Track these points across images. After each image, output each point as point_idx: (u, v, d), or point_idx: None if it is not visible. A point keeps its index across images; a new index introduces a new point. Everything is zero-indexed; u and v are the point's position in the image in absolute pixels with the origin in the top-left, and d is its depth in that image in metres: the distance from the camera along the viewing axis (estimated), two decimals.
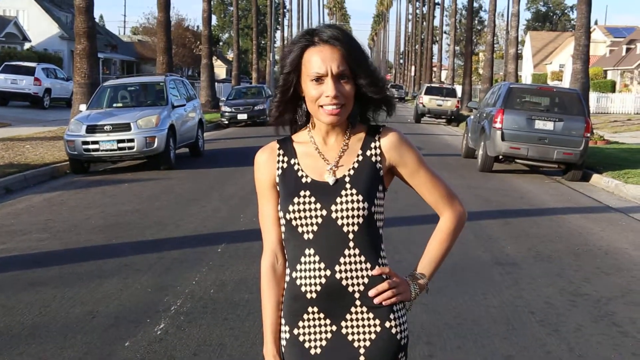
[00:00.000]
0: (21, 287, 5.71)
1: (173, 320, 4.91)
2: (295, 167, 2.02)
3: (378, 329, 1.99)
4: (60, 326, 4.82)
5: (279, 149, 2.07)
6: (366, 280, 1.97)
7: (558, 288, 5.93)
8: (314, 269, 1.97)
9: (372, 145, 2.03)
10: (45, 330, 4.75)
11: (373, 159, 2.02)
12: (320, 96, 1.93)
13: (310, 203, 1.97)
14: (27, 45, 42.32)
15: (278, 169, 2.04)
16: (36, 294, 5.52)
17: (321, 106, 1.94)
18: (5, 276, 6.07)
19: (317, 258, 1.97)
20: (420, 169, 2.06)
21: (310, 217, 1.96)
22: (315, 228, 1.97)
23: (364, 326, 1.99)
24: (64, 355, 4.31)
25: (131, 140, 12.50)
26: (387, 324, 2.00)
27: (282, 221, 2.03)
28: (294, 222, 1.98)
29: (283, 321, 2.06)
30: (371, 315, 1.99)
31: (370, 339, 1.99)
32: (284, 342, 2.06)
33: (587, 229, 8.52)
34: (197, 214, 8.73)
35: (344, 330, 1.99)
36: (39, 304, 5.26)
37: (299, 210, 1.97)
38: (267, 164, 2.06)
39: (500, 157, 13.52)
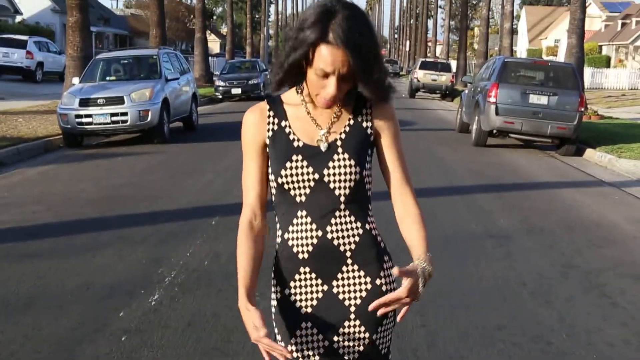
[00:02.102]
0: (16, 259, 5.72)
1: (167, 291, 4.94)
2: (287, 130, 2.01)
3: (369, 286, 2.02)
4: (55, 297, 4.84)
5: (269, 110, 2.05)
6: (357, 239, 2.01)
7: (550, 260, 5.98)
8: (306, 230, 1.99)
9: (364, 111, 2.04)
10: (41, 300, 4.77)
11: (364, 124, 2.03)
12: (320, 87, 1.92)
13: (302, 167, 1.97)
14: (18, 18, 41.87)
15: (268, 130, 2.02)
16: (31, 265, 5.53)
17: (318, 94, 1.94)
18: None
19: (309, 220, 1.99)
20: (397, 143, 2.07)
21: (303, 180, 1.97)
22: (307, 191, 1.98)
23: (354, 284, 2.02)
24: (59, 325, 4.33)
25: (125, 114, 12.45)
26: (378, 282, 2.03)
27: (273, 184, 2.03)
28: (285, 186, 1.99)
29: (274, 282, 2.08)
30: (362, 273, 2.02)
31: (360, 297, 2.01)
32: (274, 303, 2.08)
33: (580, 203, 8.57)
34: (191, 187, 8.74)
35: (335, 290, 2.02)
36: (33, 275, 5.28)
37: (291, 175, 1.97)
38: (257, 124, 2.04)
39: (495, 131, 13.54)
